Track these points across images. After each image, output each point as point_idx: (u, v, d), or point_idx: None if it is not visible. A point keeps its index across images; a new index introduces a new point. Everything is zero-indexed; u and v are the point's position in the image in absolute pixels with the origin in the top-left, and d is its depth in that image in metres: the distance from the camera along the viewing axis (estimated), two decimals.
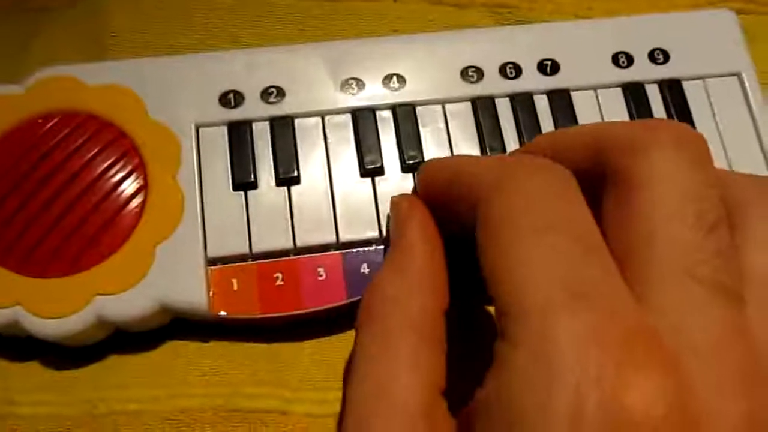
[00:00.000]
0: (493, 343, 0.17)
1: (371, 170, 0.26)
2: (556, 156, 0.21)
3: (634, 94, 0.28)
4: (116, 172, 0.26)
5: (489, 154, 0.27)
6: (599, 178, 0.19)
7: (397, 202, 0.25)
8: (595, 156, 0.20)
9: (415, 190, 0.26)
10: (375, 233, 0.25)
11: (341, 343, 0.26)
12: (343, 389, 0.23)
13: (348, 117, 0.27)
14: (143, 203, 0.25)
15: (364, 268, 0.25)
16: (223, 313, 0.24)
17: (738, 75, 0.29)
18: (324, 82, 0.28)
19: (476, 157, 0.23)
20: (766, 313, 0.17)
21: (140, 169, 0.26)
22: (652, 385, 0.15)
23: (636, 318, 0.16)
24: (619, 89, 0.28)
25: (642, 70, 0.28)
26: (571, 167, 0.20)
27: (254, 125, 0.27)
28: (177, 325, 0.25)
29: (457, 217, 0.21)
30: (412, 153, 0.27)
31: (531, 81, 0.28)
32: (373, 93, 0.28)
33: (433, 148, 0.27)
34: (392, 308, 0.21)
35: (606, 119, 0.28)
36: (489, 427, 0.16)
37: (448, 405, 0.19)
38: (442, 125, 0.27)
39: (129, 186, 0.25)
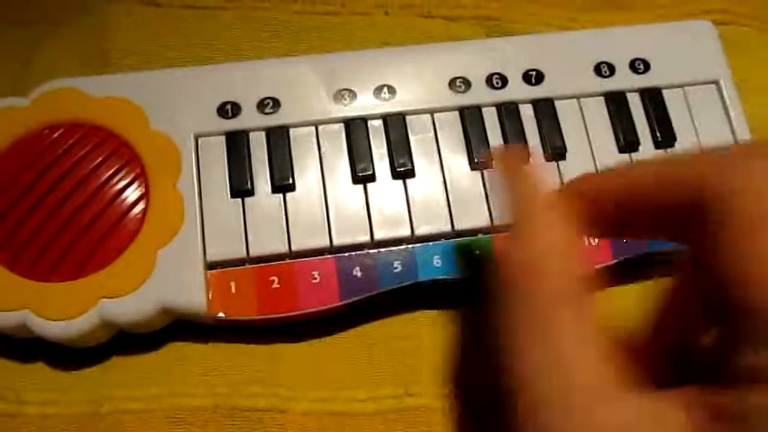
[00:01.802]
0: None
1: (363, 177, 0.27)
2: (660, 189, 0.18)
3: (616, 102, 0.29)
4: (119, 181, 0.26)
5: (477, 160, 0.28)
6: (690, 212, 0.17)
7: (500, 159, 0.22)
8: (696, 192, 0.17)
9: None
10: (367, 238, 0.26)
11: (336, 343, 0.27)
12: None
13: (341, 126, 0.28)
14: (145, 210, 0.26)
15: (357, 271, 0.26)
16: (221, 314, 0.25)
17: (716, 83, 0.30)
18: (318, 93, 0.28)
19: (663, 157, 0.20)
20: None
21: (142, 177, 0.26)
22: None
23: None
24: (601, 98, 0.29)
25: (623, 79, 0.29)
26: (671, 201, 0.18)
27: (251, 135, 0.28)
28: (178, 327, 0.26)
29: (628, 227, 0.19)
30: (402, 160, 0.27)
31: (516, 91, 0.29)
32: (365, 103, 0.28)
33: (422, 156, 0.28)
34: (544, 272, 0.18)
35: (589, 127, 0.29)
36: None
37: None
38: (431, 134, 0.28)
39: (131, 194, 0.26)
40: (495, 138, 0.28)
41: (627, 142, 0.28)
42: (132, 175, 0.26)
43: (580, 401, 0.16)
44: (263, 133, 0.28)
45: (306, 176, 0.27)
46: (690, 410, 0.16)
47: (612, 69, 0.29)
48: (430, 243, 0.27)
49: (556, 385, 0.17)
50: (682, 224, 0.18)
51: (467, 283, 0.27)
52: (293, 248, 0.26)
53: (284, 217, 0.26)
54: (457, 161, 0.28)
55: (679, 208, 0.18)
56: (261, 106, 0.28)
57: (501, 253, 0.19)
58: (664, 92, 0.29)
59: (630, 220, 0.20)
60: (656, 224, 0.19)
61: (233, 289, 0.26)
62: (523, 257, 0.19)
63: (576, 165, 0.28)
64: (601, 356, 0.17)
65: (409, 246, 0.26)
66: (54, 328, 0.24)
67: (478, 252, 0.27)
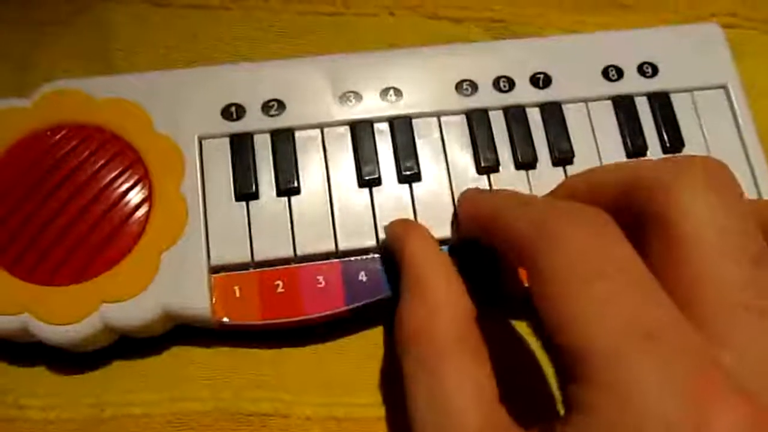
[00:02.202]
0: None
1: (369, 181, 0.27)
2: (592, 195, 0.21)
3: (624, 106, 0.29)
4: (122, 183, 0.26)
5: (483, 165, 0.27)
6: (635, 217, 0.20)
7: (390, 227, 0.25)
8: (627, 195, 0.20)
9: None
10: (373, 242, 0.26)
11: (340, 348, 0.27)
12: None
13: (346, 129, 0.28)
14: (148, 213, 0.26)
15: (362, 276, 0.26)
16: (225, 319, 0.25)
17: (724, 87, 0.29)
18: (323, 95, 0.28)
19: (513, 200, 0.23)
20: None
21: (145, 180, 0.26)
22: (734, 417, 0.15)
23: (704, 351, 0.16)
24: (609, 102, 0.29)
25: (631, 83, 0.29)
26: (606, 206, 0.20)
27: (255, 137, 0.27)
28: (181, 331, 0.26)
29: (497, 250, 0.22)
30: (408, 164, 0.27)
31: (524, 94, 0.29)
32: (371, 106, 0.28)
33: (428, 160, 0.27)
34: (428, 330, 0.21)
35: (597, 131, 0.28)
36: None
37: None
38: (438, 137, 0.28)
39: (134, 196, 0.26)
40: (502, 141, 0.28)
41: (635, 146, 0.28)
42: (135, 178, 0.26)
43: None
44: (268, 136, 0.27)
45: (311, 179, 0.27)
46: None
47: (620, 73, 0.29)
48: None
49: (441, 427, 0.19)
50: None
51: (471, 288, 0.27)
52: (298, 252, 0.26)
53: (289, 220, 0.26)
54: (464, 165, 0.28)
55: (506, 250, 0.21)
56: (266, 108, 0.28)
57: (396, 316, 0.22)
58: (672, 96, 0.29)
59: None
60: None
61: (237, 294, 0.25)
62: (414, 318, 0.21)
63: (583, 170, 0.27)
64: (484, 401, 0.19)
65: None
66: (55, 333, 0.24)
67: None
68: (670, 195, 0.19)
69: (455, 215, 0.26)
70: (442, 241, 0.26)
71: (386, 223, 0.26)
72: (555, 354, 0.18)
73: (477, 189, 0.26)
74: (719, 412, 0.15)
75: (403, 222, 0.26)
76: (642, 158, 0.28)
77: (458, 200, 0.26)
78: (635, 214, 0.20)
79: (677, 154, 0.28)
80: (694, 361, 0.16)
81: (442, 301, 0.22)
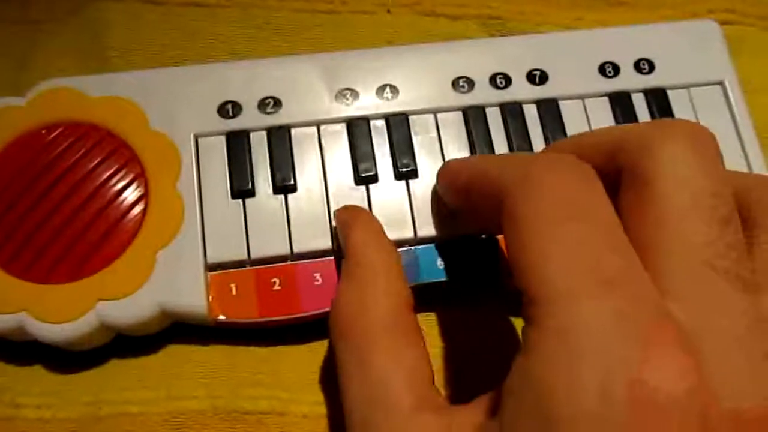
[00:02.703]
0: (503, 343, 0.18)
1: (365, 178, 0.27)
2: (579, 157, 0.21)
3: (621, 103, 0.29)
4: (118, 181, 0.26)
5: None
6: (617, 178, 0.20)
7: (338, 214, 0.25)
8: (613, 156, 0.20)
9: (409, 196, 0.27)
10: None
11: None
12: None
13: (343, 126, 0.28)
14: (144, 211, 0.26)
15: None
16: (222, 317, 0.25)
17: (721, 84, 0.29)
18: (319, 92, 0.28)
19: (501, 155, 0.23)
20: None
21: (141, 178, 0.26)
22: (677, 366, 0.15)
23: (659, 304, 0.16)
24: (605, 98, 0.29)
25: (628, 80, 0.29)
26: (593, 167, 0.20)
27: (252, 135, 0.27)
28: (177, 329, 0.26)
29: (480, 215, 0.22)
30: (405, 161, 0.27)
31: (520, 91, 0.29)
32: (367, 103, 0.28)
33: (425, 157, 0.27)
34: (360, 318, 0.21)
35: (593, 127, 0.28)
36: (518, 410, 0.17)
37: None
38: (434, 134, 0.28)
39: (130, 194, 0.26)
40: (499, 138, 0.28)
41: None
42: (131, 176, 0.26)
43: (396, 423, 0.19)
44: (264, 133, 0.27)
45: (307, 177, 0.27)
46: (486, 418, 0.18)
47: (617, 69, 0.29)
48: (433, 245, 0.26)
49: (375, 410, 0.20)
50: None
51: (470, 285, 0.27)
52: (295, 250, 0.26)
53: (285, 218, 0.26)
54: None
55: (489, 202, 0.21)
56: (262, 105, 0.28)
57: (332, 303, 0.23)
58: (669, 93, 0.29)
59: None
60: None
61: (234, 291, 0.25)
62: (347, 306, 0.22)
63: None
64: (416, 383, 0.20)
65: (412, 248, 0.26)
66: (52, 331, 0.24)
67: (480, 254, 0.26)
68: (651, 154, 0.19)
69: (434, 194, 0.26)
70: (438, 238, 0.26)
71: (383, 220, 0.26)
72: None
73: (455, 159, 0.26)
74: (660, 362, 0.15)
75: (350, 209, 0.26)
76: (630, 124, 0.28)
77: (437, 174, 0.25)
78: (617, 174, 0.20)
79: (665, 118, 0.28)
80: (646, 310, 0.16)
81: (376, 289, 0.22)
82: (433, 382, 0.21)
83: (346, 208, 0.26)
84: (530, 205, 0.18)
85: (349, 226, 0.24)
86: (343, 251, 0.24)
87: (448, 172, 0.25)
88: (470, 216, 0.24)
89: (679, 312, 0.16)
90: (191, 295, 0.25)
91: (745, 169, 0.28)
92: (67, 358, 0.25)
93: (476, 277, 0.26)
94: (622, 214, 0.19)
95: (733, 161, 0.28)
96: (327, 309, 0.25)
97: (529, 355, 0.17)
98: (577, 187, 0.18)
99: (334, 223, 0.26)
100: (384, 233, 0.25)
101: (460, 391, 0.25)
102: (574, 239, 0.17)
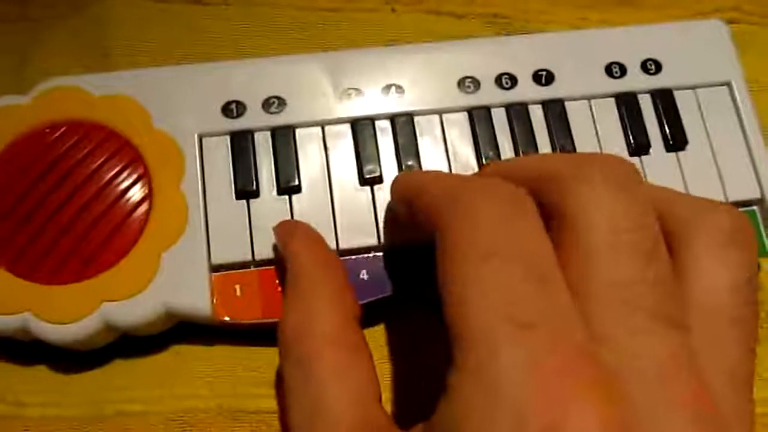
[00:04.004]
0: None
1: (370, 179, 0.27)
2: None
3: (627, 104, 0.28)
4: (122, 181, 0.26)
5: (485, 162, 0.27)
6: (544, 208, 0.19)
7: (276, 229, 0.25)
8: (533, 190, 0.20)
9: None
10: (374, 240, 0.26)
11: None
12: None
13: (347, 127, 0.28)
14: (148, 212, 0.26)
15: (364, 275, 0.26)
16: (226, 318, 0.25)
17: (728, 84, 0.29)
18: (324, 92, 0.28)
19: (438, 176, 0.22)
20: (711, 338, 0.18)
21: (145, 178, 0.26)
22: (594, 413, 0.15)
23: (581, 347, 0.16)
24: (612, 99, 0.29)
25: (635, 81, 0.29)
26: None
27: (256, 135, 0.27)
28: (181, 329, 0.26)
29: (424, 234, 0.21)
30: (410, 162, 0.27)
31: (526, 91, 0.28)
32: (372, 103, 0.28)
33: (430, 158, 0.27)
34: (304, 331, 0.21)
35: (599, 129, 0.28)
36: None
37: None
38: (440, 135, 0.28)
39: (134, 195, 0.26)
40: (504, 139, 0.28)
41: (637, 144, 0.28)
42: (135, 176, 0.26)
43: None
44: (268, 133, 0.27)
45: (312, 177, 0.27)
46: None
47: (623, 70, 0.29)
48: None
49: (315, 428, 0.19)
50: None
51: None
52: None
53: (290, 219, 0.26)
54: (466, 163, 0.27)
55: (426, 226, 0.20)
56: (266, 105, 0.27)
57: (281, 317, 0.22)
58: (676, 94, 0.29)
59: None
60: None
61: (238, 293, 0.25)
62: (292, 319, 0.22)
63: None
64: (359, 402, 0.20)
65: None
66: (56, 332, 0.24)
67: None
68: (568, 193, 0.18)
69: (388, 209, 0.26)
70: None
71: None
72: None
73: (406, 171, 0.26)
74: (581, 407, 0.15)
75: (288, 223, 0.26)
76: (550, 153, 0.28)
77: (391, 184, 0.25)
78: (543, 206, 0.19)
79: (581, 152, 0.28)
80: (566, 356, 0.15)
81: (320, 302, 0.22)
82: (380, 399, 0.21)
83: (284, 222, 0.26)
84: (457, 237, 0.18)
85: (288, 240, 0.24)
86: (286, 265, 0.24)
87: (396, 183, 0.24)
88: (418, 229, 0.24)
89: (607, 354, 0.16)
90: (195, 296, 0.25)
91: (750, 171, 0.28)
92: (71, 358, 0.25)
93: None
94: (555, 249, 0.18)
95: (739, 161, 0.28)
96: None
97: (449, 398, 0.16)
98: (508, 218, 0.18)
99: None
100: (325, 245, 0.24)
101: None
102: (496, 278, 0.17)
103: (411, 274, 0.26)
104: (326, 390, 0.20)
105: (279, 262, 0.26)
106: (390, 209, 0.26)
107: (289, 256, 0.23)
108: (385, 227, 0.26)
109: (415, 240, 0.25)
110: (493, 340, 0.16)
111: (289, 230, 0.25)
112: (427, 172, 0.26)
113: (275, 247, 0.26)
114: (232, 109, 0.27)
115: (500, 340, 0.16)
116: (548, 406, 0.15)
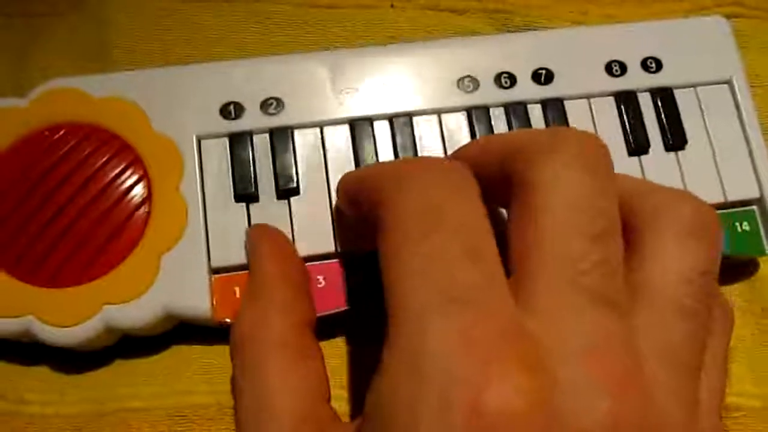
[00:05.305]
0: None
1: None
2: (473, 163, 0.20)
3: (627, 102, 0.28)
4: (121, 183, 0.26)
5: None
6: (507, 185, 0.19)
7: (249, 232, 0.25)
8: (502, 163, 0.20)
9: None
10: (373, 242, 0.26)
11: (339, 345, 0.27)
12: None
13: (346, 127, 0.27)
14: (148, 214, 0.26)
15: (361, 276, 0.26)
16: (226, 319, 0.25)
17: (729, 82, 0.29)
18: (322, 92, 0.28)
19: (380, 162, 0.23)
20: (655, 323, 0.18)
21: (144, 180, 0.26)
22: (514, 384, 0.15)
23: (509, 321, 0.16)
24: (611, 98, 0.28)
25: (635, 79, 0.29)
26: (484, 174, 0.20)
27: (254, 137, 0.27)
28: (182, 329, 0.26)
29: (369, 225, 0.21)
30: None
31: (525, 90, 0.28)
32: (371, 103, 0.28)
33: None
34: (254, 334, 0.22)
35: (599, 128, 0.28)
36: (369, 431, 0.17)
37: None
38: (439, 135, 0.28)
39: (134, 197, 0.26)
40: None
41: (637, 144, 0.28)
42: (134, 179, 0.26)
43: None
44: (267, 135, 0.27)
45: (311, 179, 0.27)
46: None
47: (623, 68, 0.29)
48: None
49: (259, 427, 0.20)
50: None
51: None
52: (300, 254, 0.26)
53: (289, 221, 0.26)
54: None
55: (370, 212, 0.20)
56: (264, 106, 0.27)
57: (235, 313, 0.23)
58: (676, 92, 0.29)
59: None
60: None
61: (238, 294, 0.25)
62: (245, 321, 0.22)
63: None
64: (305, 400, 0.20)
65: None
66: (58, 335, 0.24)
67: None
68: (536, 164, 0.18)
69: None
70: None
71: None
72: None
73: (350, 171, 0.26)
74: (503, 378, 0.15)
75: (259, 226, 0.26)
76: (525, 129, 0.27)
77: (336, 186, 0.25)
78: (507, 182, 0.19)
79: (560, 127, 0.27)
80: (493, 327, 0.15)
81: (273, 306, 0.22)
82: (329, 400, 0.21)
83: (256, 226, 0.26)
84: (395, 215, 0.18)
85: (258, 244, 0.24)
86: (249, 269, 0.24)
87: (342, 183, 0.25)
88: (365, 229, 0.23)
89: (537, 328, 0.16)
90: (196, 298, 0.25)
91: (750, 170, 0.28)
92: (72, 357, 0.26)
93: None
94: (509, 224, 0.18)
95: (739, 160, 0.28)
96: (330, 311, 0.25)
97: (380, 376, 0.16)
98: (446, 195, 0.18)
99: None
100: (292, 250, 0.25)
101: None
102: (430, 254, 0.17)
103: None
104: (270, 391, 0.20)
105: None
106: (339, 211, 0.26)
107: (253, 260, 0.24)
108: (337, 232, 0.26)
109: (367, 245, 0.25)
110: (423, 315, 0.16)
111: (258, 235, 0.25)
112: (370, 164, 0.26)
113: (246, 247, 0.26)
114: (231, 110, 0.27)
115: (432, 315, 0.16)
116: (471, 377, 0.15)
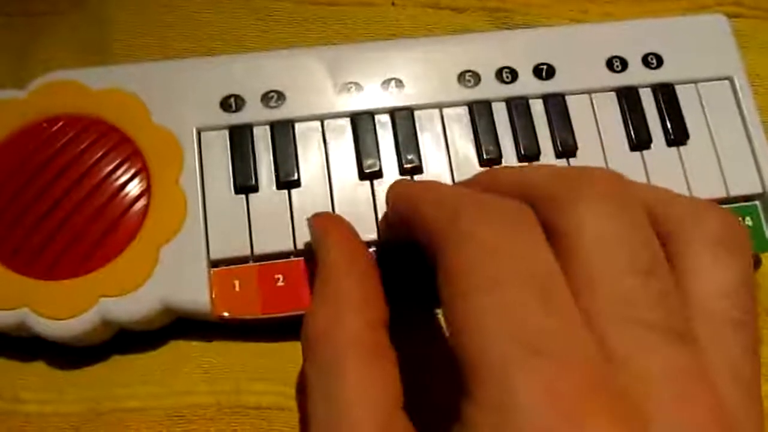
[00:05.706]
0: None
1: (370, 173, 0.27)
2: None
3: (628, 98, 0.28)
4: (120, 176, 0.26)
5: (486, 157, 0.27)
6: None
7: (314, 221, 0.24)
8: (528, 203, 0.19)
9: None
10: (374, 235, 0.26)
11: None
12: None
13: (347, 121, 0.27)
14: (147, 206, 0.25)
15: None
16: (225, 313, 0.25)
17: (730, 79, 0.29)
18: (323, 86, 0.28)
19: (435, 188, 0.22)
20: (715, 341, 0.17)
21: (144, 172, 0.26)
22: None
23: (593, 372, 0.16)
24: (613, 93, 0.28)
25: (636, 75, 0.29)
26: None
27: (255, 129, 0.27)
28: (180, 325, 0.26)
29: (419, 243, 0.21)
30: (410, 156, 0.27)
31: (527, 85, 0.28)
32: (372, 97, 0.28)
33: (430, 152, 0.27)
34: (329, 337, 0.20)
35: (600, 123, 0.28)
36: None
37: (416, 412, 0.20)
38: (440, 129, 0.28)
39: (133, 189, 0.26)
40: (505, 133, 0.28)
41: (639, 139, 0.28)
42: (133, 170, 0.26)
43: None
44: (267, 128, 0.27)
45: (311, 172, 0.27)
46: None
47: (624, 64, 0.29)
48: None
49: None
50: None
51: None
52: (298, 245, 0.26)
53: (289, 213, 0.26)
54: (466, 157, 0.27)
55: (422, 241, 0.20)
56: (265, 99, 0.27)
57: (304, 317, 0.21)
58: (677, 88, 0.29)
59: None
60: None
61: (237, 288, 0.25)
62: (318, 321, 0.21)
63: (586, 162, 0.27)
64: (381, 409, 0.19)
65: None
66: (54, 327, 0.24)
67: None
68: (563, 211, 0.18)
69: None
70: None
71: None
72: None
73: (403, 180, 0.25)
74: None
75: (327, 217, 0.25)
76: (537, 164, 0.27)
77: (386, 193, 0.24)
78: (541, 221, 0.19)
79: (571, 167, 0.27)
80: (581, 380, 0.15)
81: (348, 304, 0.21)
82: (402, 406, 0.20)
83: (321, 215, 0.25)
84: (459, 264, 0.17)
85: (325, 235, 0.23)
86: (317, 261, 0.23)
87: (391, 193, 0.24)
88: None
89: (621, 374, 0.16)
90: (194, 292, 0.25)
91: (752, 166, 0.28)
92: (69, 354, 0.25)
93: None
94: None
95: (741, 156, 0.28)
96: None
97: (465, 429, 0.16)
98: (510, 239, 0.17)
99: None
100: (363, 245, 0.23)
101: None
102: (504, 303, 0.16)
103: (407, 270, 0.26)
104: (347, 400, 0.19)
105: (308, 254, 0.25)
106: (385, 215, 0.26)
107: (322, 255, 0.23)
108: (381, 226, 0.26)
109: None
110: (507, 369, 0.15)
111: (324, 225, 0.24)
112: (421, 184, 0.25)
113: (308, 242, 0.25)
114: (231, 103, 0.27)
115: (515, 369, 0.15)
116: None
